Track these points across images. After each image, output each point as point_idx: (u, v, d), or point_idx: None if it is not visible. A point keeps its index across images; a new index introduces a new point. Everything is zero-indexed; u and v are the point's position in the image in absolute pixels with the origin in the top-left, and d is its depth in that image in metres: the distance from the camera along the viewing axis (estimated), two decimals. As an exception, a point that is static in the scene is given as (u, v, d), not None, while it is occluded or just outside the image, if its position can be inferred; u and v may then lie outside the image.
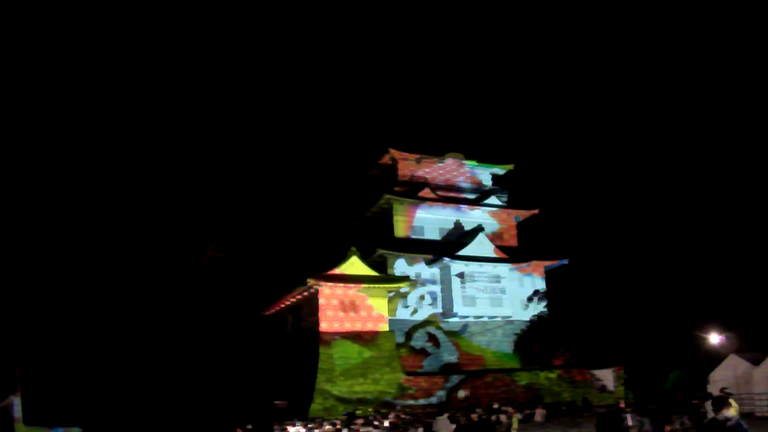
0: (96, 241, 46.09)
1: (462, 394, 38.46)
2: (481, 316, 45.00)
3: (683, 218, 57.75)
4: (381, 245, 43.40)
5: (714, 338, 37.40)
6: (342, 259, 40.26)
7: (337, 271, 39.61)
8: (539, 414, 32.82)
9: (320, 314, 38.43)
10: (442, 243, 46.84)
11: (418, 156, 49.23)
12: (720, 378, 31.68)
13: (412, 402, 36.82)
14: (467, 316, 44.58)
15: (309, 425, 29.26)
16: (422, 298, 44.33)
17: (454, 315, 44.01)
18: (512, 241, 49.88)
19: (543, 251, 48.76)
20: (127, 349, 40.01)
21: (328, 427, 27.81)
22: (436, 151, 50.14)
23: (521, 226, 51.05)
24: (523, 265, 46.93)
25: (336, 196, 52.38)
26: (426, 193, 47.40)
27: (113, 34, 70.88)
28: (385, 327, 40.03)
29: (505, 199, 50.64)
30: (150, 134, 55.89)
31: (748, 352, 32.60)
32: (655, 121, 71.94)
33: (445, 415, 22.19)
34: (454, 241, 46.62)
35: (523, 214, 50.77)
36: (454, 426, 19.79)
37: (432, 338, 43.47)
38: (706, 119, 65.99)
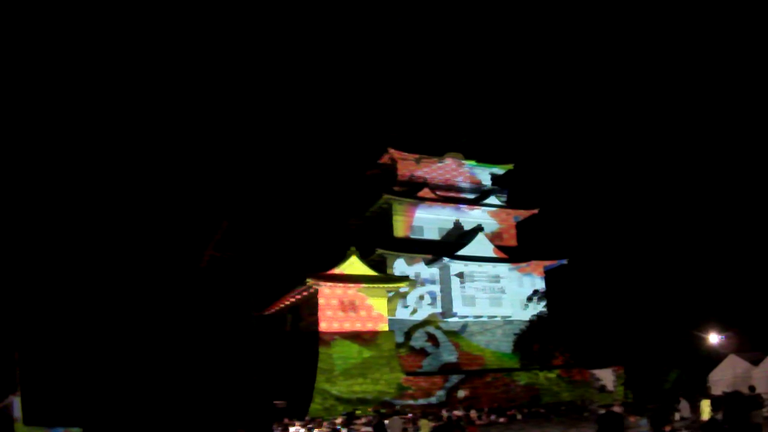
0: (96, 241, 46.06)
1: (461, 393, 38.49)
2: (481, 316, 45.01)
3: (683, 218, 57.79)
4: (380, 245, 43.41)
5: (713, 338, 37.53)
6: (341, 258, 40.26)
7: (336, 270, 39.61)
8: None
9: (320, 314, 38.43)
10: (441, 243, 46.85)
11: (417, 156, 49.26)
12: (720, 378, 31.80)
13: (411, 402, 36.81)
14: (467, 316, 44.58)
15: (309, 425, 29.29)
16: (422, 297, 44.34)
17: (454, 315, 44.02)
18: (512, 241, 49.90)
19: (542, 251, 48.78)
20: (126, 349, 39.98)
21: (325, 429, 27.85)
22: (436, 151, 50.16)
23: (521, 226, 51.08)
24: (523, 264, 46.94)
25: (335, 196, 52.38)
26: (425, 193, 47.42)
27: (113, 33, 70.84)
28: (384, 327, 40.03)
29: (504, 199, 50.67)
30: (149, 134, 55.87)
31: (748, 352, 32.69)
32: (654, 121, 71.97)
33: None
34: (454, 241, 46.63)
35: (523, 214, 50.80)
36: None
37: (431, 338, 43.48)
38: (706, 119, 66.03)
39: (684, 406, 20.65)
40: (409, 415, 31.27)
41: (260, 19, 79.38)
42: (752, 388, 21.13)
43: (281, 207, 52.12)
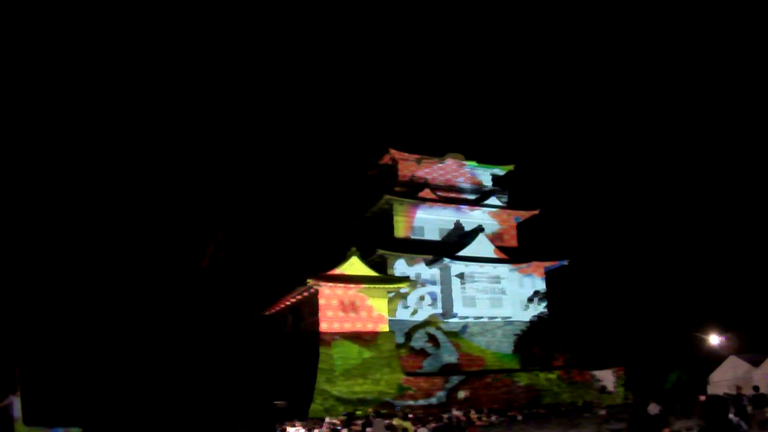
0: (96, 241, 46.05)
1: (462, 394, 38.47)
2: (481, 317, 44.99)
3: (683, 219, 57.77)
4: (381, 246, 43.40)
5: (714, 339, 37.45)
6: (342, 259, 40.24)
7: (337, 271, 39.59)
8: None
9: (320, 314, 38.42)
10: (442, 243, 46.82)
11: (418, 156, 49.25)
12: (720, 379, 31.70)
13: (411, 402, 36.80)
14: (467, 317, 44.56)
15: (309, 425, 29.26)
16: (422, 298, 44.31)
17: (454, 315, 44.00)
18: (512, 242, 49.86)
19: (543, 252, 48.75)
20: (127, 349, 39.96)
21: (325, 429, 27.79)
22: (436, 151, 50.17)
23: (521, 227, 51.05)
24: (523, 265, 46.90)
25: (336, 197, 52.36)
26: (426, 193, 47.40)
27: (113, 33, 70.86)
28: (385, 327, 40.02)
29: (505, 199, 50.63)
30: (150, 134, 55.89)
31: (748, 353, 32.61)
32: (654, 121, 71.97)
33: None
34: (454, 242, 46.61)
35: (523, 214, 50.76)
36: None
37: (432, 339, 43.46)
38: (706, 119, 66.01)
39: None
40: (410, 416, 31.23)
41: (260, 20, 79.41)
42: (756, 388, 21.11)
43: (282, 207, 52.09)
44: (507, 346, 45.66)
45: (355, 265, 40.24)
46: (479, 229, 46.07)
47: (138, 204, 48.89)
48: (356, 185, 51.78)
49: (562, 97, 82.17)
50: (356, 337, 38.53)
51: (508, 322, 45.85)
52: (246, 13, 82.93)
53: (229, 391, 38.24)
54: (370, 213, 48.10)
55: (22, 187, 46.56)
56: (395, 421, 23.29)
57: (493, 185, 51.85)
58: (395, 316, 42.39)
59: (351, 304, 39.39)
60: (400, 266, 43.98)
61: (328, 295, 38.91)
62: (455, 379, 39.43)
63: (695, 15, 75.01)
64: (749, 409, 19.70)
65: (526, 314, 46.89)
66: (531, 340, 45.33)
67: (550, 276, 49.13)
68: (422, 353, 42.56)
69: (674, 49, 79.38)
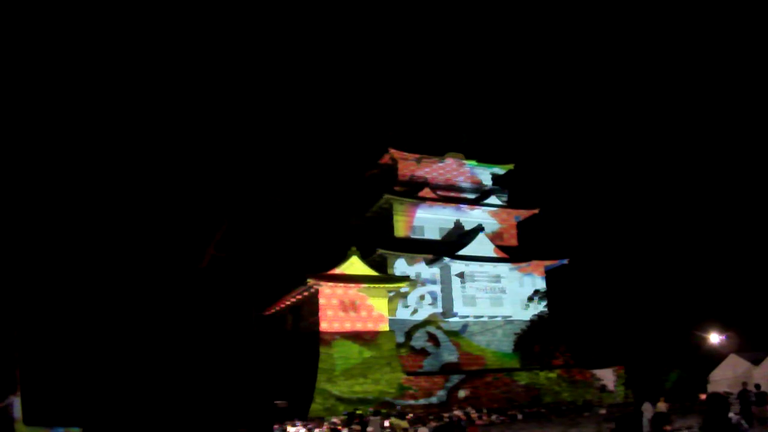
0: (96, 241, 46.03)
1: (462, 393, 38.47)
2: (481, 316, 44.98)
3: (683, 218, 57.79)
4: (381, 245, 43.39)
5: (714, 338, 37.49)
6: (342, 258, 40.24)
7: (337, 270, 39.59)
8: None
9: (320, 314, 38.42)
10: (442, 243, 46.83)
11: (418, 156, 49.25)
12: (720, 377, 31.82)
13: (412, 402, 36.81)
14: (467, 316, 44.56)
15: (309, 425, 29.28)
16: (422, 297, 44.32)
17: (454, 315, 44.00)
18: (512, 241, 49.88)
19: (543, 251, 48.76)
20: (127, 349, 39.97)
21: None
22: (436, 150, 50.15)
23: (521, 226, 51.05)
24: (524, 264, 46.90)
25: (336, 196, 52.36)
26: (426, 193, 47.40)
27: (113, 33, 70.79)
28: (385, 327, 40.02)
29: (505, 198, 50.64)
30: (150, 134, 55.85)
31: (748, 352, 32.70)
32: (654, 120, 71.97)
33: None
34: (454, 241, 46.61)
35: (523, 213, 50.77)
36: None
37: (432, 338, 43.47)
38: (706, 119, 66.04)
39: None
40: (410, 415, 31.29)
41: (260, 20, 79.37)
42: (758, 386, 21.17)
43: (282, 207, 52.10)
44: (507, 345, 45.67)
45: (355, 265, 40.24)
46: (479, 229, 46.05)
47: (138, 204, 48.87)
48: (356, 185, 51.78)
49: (561, 96, 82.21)
50: (356, 337, 38.54)
51: (508, 321, 45.85)
52: (247, 13, 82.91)
53: (230, 391, 38.25)
54: (370, 212, 48.11)
55: (23, 187, 46.53)
56: (393, 420, 23.35)
57: (493, 184, 51.87)
58: (395, 316, 42.39)
59: (351, 304, 39.39)
60: (401, 266, 43.98)
61: (329, 294, 38.91)
62: (455, 379, 39.43)
63: (695, 14, 75.02)
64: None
65: (527, 313, 46.87)
66: (531, 339, 45.32)
67: (550, 275, 49.14)
68: (422, 352, 42.57)
69: (674, 48, 79.41)
